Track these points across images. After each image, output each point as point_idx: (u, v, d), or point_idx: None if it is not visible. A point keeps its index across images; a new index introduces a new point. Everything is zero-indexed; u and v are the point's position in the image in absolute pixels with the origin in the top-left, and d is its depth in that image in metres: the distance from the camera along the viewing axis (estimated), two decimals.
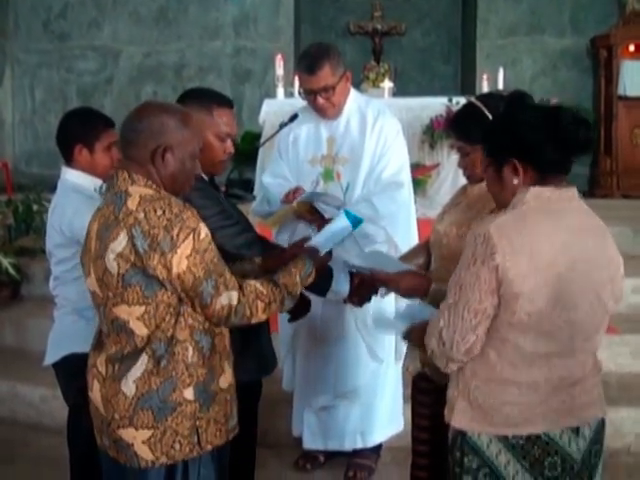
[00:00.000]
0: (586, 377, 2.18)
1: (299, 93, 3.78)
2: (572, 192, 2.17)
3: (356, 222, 2.79)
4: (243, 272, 2.62)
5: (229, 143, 2.91)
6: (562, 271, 2.05)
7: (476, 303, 2.06)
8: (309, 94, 3.57)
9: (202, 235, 2.21)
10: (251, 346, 2.80)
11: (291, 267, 2.50)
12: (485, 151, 2.25)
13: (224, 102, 2.91)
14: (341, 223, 2.79)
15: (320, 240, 2.73)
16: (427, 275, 2.74)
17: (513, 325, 2.05)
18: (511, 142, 2.14)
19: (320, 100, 3.54)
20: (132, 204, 2.22)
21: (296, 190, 3.51)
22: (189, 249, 2.18)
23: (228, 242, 2.70)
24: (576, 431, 2.14)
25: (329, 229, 2.80)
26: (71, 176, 3.17)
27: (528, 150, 2.12)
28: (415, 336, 2.41)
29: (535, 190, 2.11)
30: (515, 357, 2.09)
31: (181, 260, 2.17)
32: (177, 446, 2.28)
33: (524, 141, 2.12)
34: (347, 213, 2.81)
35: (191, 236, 2.18)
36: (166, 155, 2.30)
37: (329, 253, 2.71)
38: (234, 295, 2.26)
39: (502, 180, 2.18)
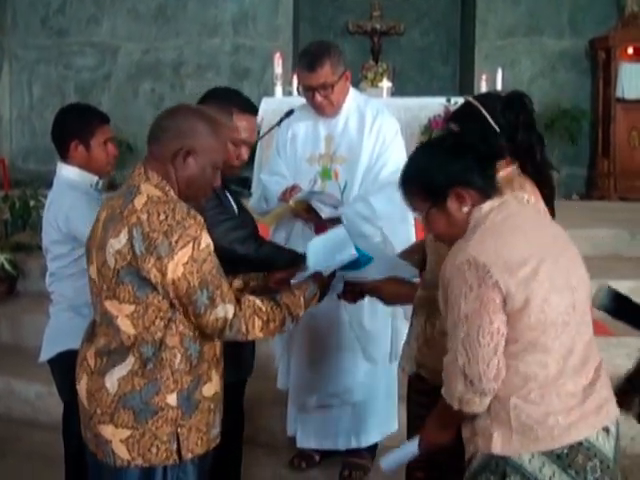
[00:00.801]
0: (600, 370, 2.20)
1: (298, 91, 3.77)
2: (507, 195, 2.25)
3: (365, 260, 2.72)
4: (247, 283, 2.61)
5: (244, 150, 2.89)
6: (551, 262, 2.10)
7: (488, 325, 2.04)
8: (308, 91, 3.55)
9: (202, 245, 2.19)
10: (235, 348, 2.78)
11: (295, 289, 2.49)
12: (422, 197, 2.26)
13: (247, 108, 2.89)
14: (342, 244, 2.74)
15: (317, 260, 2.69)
16: (414, 283, 2.74)
17: (532, 327, 2.06)
18: (445, 176, 2.18)
19: (318, 98, 3.53)
20: (138, 203, 2.21)
21: (293, 188, 3.50)
22: (187, 257, 2.16)
23: (222, 237, 2.69)
24: (607, 430, 2.15)
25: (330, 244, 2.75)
26: (67, 172, 3.17)
27: (463, 175, 2.18)
28: (429, 433, 2.34)
29: (485, 206, 2.17)
30: (543, 356, 2.09)
31: (177, 267, 2.16)
32: (154, 450, 2.26)
33: (456, 168, 2.18)
34: (357, 249, 2.71)
35: (190, 244, 2.16)
36: (188, 158, 2.28)
37: (332, 274, 2.66)
38: (230, 308, 2.24)
39: (449, 216, 2.21)
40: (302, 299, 2.45)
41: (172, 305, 2.23)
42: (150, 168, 2.29)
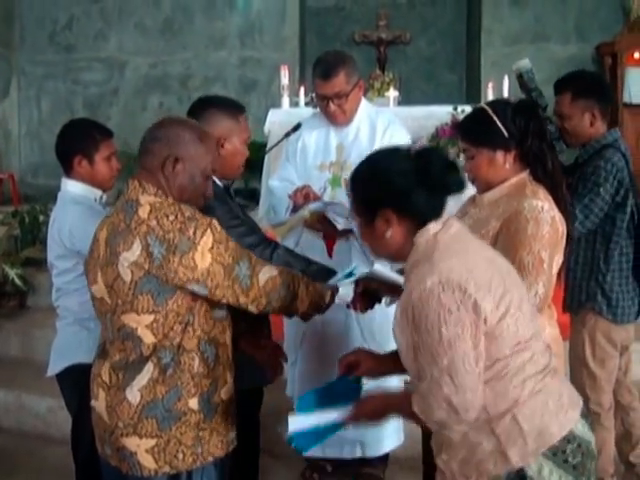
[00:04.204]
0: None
1: (311, 99, 3.78)
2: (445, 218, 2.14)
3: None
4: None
5: (246, 148, 2.95)
6: (507, 277, 2.07)
7: (472, 350, 1.93)
8: (322, 100, 3.60)
9: (218, 228, 2.24)
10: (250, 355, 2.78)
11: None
12: (356, 202, 2.18)
13: (243, 108, 2.96)
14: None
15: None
16: None
17: (507, 345, 2.01)
18: (384, 191, 2.06)
19: (332, 106, 3.56)
20: (143, 213, 2.22)
21: (303, 188, 3.46)
22: (210, 243, 2.20)
23: (237, 241, 2.71)
24: (584, 415, 2.14)
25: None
26: (71, 187, 3.17)
27: (403, 198, 2.06)
28: (369, 409, 2.20)
29: (426, 231, 2.07)
30: (516, 360, 2.04)
31: (204, 255, 2.18)
32: (180, 456, 2.28)
33: (397, 189, 2.05)
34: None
35: (209, 230, 2.21)
36: (177, 165, 2.30)
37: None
38: (272, 268, 2.32)
39: (374, 231, 2.11)
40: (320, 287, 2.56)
41: (190, 308, 2.25)
42: (144, 180, 2.31)
